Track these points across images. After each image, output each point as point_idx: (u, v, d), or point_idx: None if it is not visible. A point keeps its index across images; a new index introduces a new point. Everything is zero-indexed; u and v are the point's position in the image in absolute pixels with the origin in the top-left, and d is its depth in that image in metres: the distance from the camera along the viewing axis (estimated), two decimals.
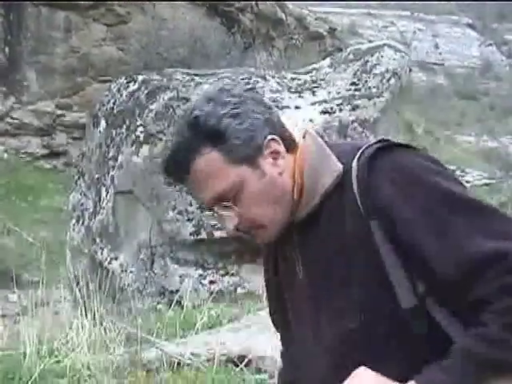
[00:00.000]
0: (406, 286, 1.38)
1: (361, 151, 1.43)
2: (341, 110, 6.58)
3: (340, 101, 6.61)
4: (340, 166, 1.45)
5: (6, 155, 15.20)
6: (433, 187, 1.36)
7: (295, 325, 1.58)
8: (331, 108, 6.54)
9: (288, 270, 1.56)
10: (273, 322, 1.73)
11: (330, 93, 6.68)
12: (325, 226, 1.46)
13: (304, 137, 1.53)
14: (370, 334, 1.39)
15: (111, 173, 6.86)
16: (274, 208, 1.46)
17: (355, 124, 6.61)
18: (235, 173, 1.43)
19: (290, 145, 1.51)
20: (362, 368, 1.33)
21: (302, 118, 6.22)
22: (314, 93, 6.72)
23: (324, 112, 6.50)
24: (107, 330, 4.20)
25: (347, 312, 1.42)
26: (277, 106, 6.12)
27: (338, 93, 6.67)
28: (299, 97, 6.64)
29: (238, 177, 1.43)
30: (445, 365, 1.30)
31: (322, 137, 1.54)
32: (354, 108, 6.66)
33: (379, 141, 1.45)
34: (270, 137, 1.46)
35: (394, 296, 1.38)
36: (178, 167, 1.46)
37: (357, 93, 6.75)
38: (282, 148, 1.48)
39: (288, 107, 6.31)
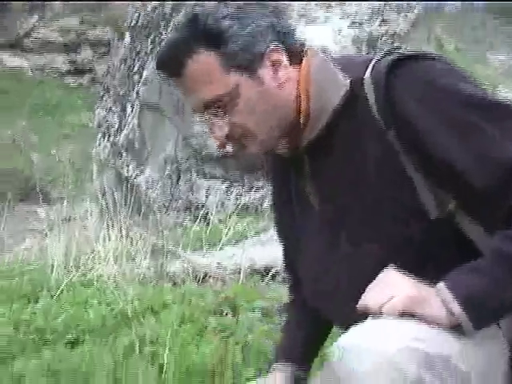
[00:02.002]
0: (433, 200, 1.32)
1: (374, 62, 1.35)
2: (370, 23, 6.41)
3: (370, 14, 6.42)
4: (346, 82, 1.37)
5: (31, 73, 15.16)
6: (457, 93, 1.29)
7: (308, 253, 1.54)
8: (361, 21, 6.36)
9: (301, 198, 1.52)
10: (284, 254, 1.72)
11: (359, 5, 6.48)
12: (339, 149, 1.41)
13: (306, 53, 1.44)
14: (396, 255, 1.34)
15: (136, 87, 6.80)
16: (268, 120, 1.40)
17: (385, 38, 6.44)
18: (230, 80, 1.36)
19: (296, 57, 1.42)
20: (390, 269, 1.29)
21: (330, 30, 6.06)
22: (343, 5, 6.52)
23: (353, 25, 6.33)
24: (133, 243, 4.20)
25: (370, 234, 1.38)
26: (305, 18, 5.96)
27: (369, 6, 6.47)
28: (328, 9, 6.45)
29: (232, 84, 1.36)
30: (474, 266, 1.25)
31: (326, 52, 1.45)
32: (384, 21, 6.48)
33: (392, 51, 1.37)
34: (272, 46, 1.38)
35: (421, 212, 1.32)
36: (171, 62, 1.39)
37: (387, 6, 6.56)
38: (284, 59, 1.39)
39: (317, 19, 6.14)
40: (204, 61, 1.36)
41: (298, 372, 1.76)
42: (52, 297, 3.26)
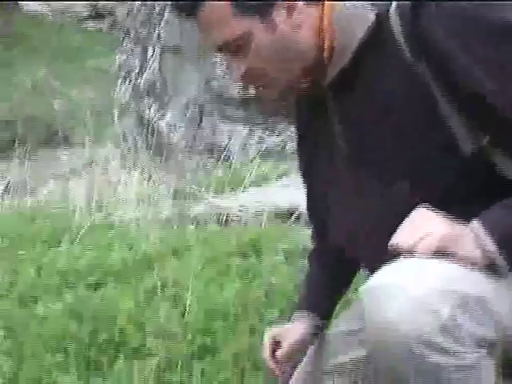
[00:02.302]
0: (465, 136, 1.25)
1: None
2: None
3: None
4: (372, 15, 1.30)
5: (51, 17, 15.04)
6: (489, 22, 1.20)
7: (335, 197, 1.49)
8: None
9: (326, 139, 1.45)
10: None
11: None
12: (365, 85, 1.34)
13: None
14: (427, 194, 1.28)
15: (157, 30, 6.69)
16: (284, 63, 1.35)
17: None
18: (242, 24, 1.32)
19: None
20: (422, 208, 1.23)
21: None
22: None
23: None
24: (155, 186, 4.17)
25: (401, 173, 1.32)
26: None
27: None
28: None
29: (244, 29, 1.32)
30: (509, 204, 1.20)
31: None
32: None
33: None
34: None
35: (453, 148, 1.26)
36: (185, 3, 1.35)
37: None
38: (299, 1, 1.33)
39: None
40: (216, 4, 1.31)
41: (318, 323, 1.75)
42: (74, 240, 3.24)
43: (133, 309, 2.35)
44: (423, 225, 1.21)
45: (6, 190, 5.22)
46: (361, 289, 1.21)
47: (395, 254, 1.21)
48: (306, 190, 1.67)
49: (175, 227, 3.48)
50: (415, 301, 1.12)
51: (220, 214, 3.61)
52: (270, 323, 2.14)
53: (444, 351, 1.13)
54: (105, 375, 2.04)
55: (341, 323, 1.83)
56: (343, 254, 1.58)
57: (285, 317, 2.12)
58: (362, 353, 1.72)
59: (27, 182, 5.13)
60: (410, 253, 1.19)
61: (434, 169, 1.29)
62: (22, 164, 5.69)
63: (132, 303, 2.38)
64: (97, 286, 2.65)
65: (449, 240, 1.18)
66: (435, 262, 1.17)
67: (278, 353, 1.73)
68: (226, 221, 3.56)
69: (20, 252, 3.09)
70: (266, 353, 1.74)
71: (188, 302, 2.34)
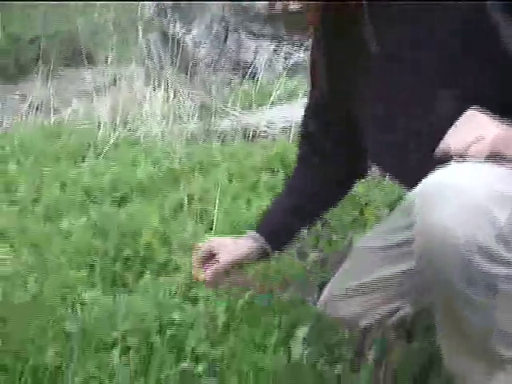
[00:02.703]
0: None
1: None
2: None
3: None
4: None
5: None
6: None
7: (370, 105, 1.41)
8: None
9: (358, 50, 1.37)
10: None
11: None
12: None
13: None
14: (477, 99, 1.19)
15: None
16: None
17: None
18: None
19: None
20: (474, 111, 1.14)
21: None
22: None
23: None
24: (180, 102, 4.08)
25: (450, 79, 1.26)
26: None
27: None
28: None
29: None
30: None
31: None
32: None
33: None
34: None
35: (506, 55, 1.19)
36: None
37: None
38: None
39: None
40: None
41: (267, 248, 1.69)
42: (98, 156, 3.19)
43: (158, 224, 2.30)
44: (475, 128, 1.12)
45: (30, 108, 5.16)
46: (410, 193, 1.14)
47: (444, 160, 1.13)
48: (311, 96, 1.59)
49: (201, 143, 3.40)
50: (472, 205, 1.05)
51: (246, 129, 3.53)
52: None
53: (497, 259, 1.07)
54: (130, 290, 2.00)
55: (369, 240, 1.77)
56: (342, 169, 1.56)
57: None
58: (387, 271, 1.67)
59: (51, 101, 5.06)
60: (462, 157, 1.11)
61: (483, 75, 1.23)
62: (45, 83, 5.60)
63: (157, 218, 2.33)
64: (121, 202, 2.60)
65: (504, 143, 1.10)
66: (490, 165, 1.10)
67: (211, 267, 1.66)
68: (253, 136, 3.47)
69: (44, 168, 3.04)
70: (197, 258, 1.68)
71: (215, 218, 2.28)
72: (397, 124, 1.36)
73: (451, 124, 1.17)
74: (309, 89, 1.63)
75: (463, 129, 1.14)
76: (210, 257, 1.68)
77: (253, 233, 1.70)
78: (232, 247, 1.67)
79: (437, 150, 1.15)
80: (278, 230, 1.70)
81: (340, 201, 1.81)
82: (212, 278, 1.66)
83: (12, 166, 3.08)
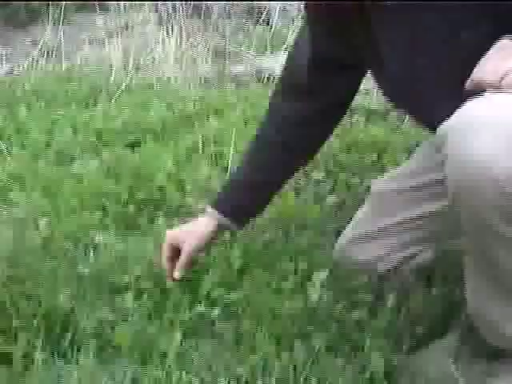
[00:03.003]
0: None
1: None
2: None
3: None
4: None
5: None
6: None
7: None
8: None
9: None
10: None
11: None
12: None
13: None
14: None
15: None
16: None
17: None
18: None
19: None
20: (507, 39, 1.08)
21: None
22: None
23: None
24: (194, 46, 4.00)
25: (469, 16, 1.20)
26: None
27: None
28: None
29: None
30: None
31: None
32: None
33: None
34: None
35: None
36: None
37: None
38: None
39: None
40: None
41: (228, 224, 1.63)
42: (111, 99, 3.13)
43: (172, 167, 2.25)
44: (508, 58, 1.05)
45: (41, 53, 5.08)
46: (441, 127, 1.07)
47: (475, 92, 1.06)
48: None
49: (215, 87, 3.33)
50: (509, 136, 0.98)
51: (261, 73, 3.45)
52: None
53: None
54: (144, 234, 1.96)
55: (391, 182, 1.72)
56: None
57: None
58: (412, 213, 1.62)
59: (62, 46, 4.98)
60: (496, 87, 1.04)
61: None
62: (56, 28, 5.51)
63: (171, 161, 2.28)
64: (134, 145, 2.55)
65: None
66: None
67: (177, 263, 1.61)
68: (268, 80, 3.40)
69: (55, 112, 2.99)
70: (163, 259, 1.63)
71: (230, 160, 2.23)
72: (422, 62, 1.30)
73: (480, 57, 1.11)
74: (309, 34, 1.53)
75: (495, 59, 1.07)
76: (175, 252, 1.62)
77: (212, 211, 1.62)
78: (192, 236, 1.61)
79: (467, 82, 1.09)
80: (239, 206, 1.64)
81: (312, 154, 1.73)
82: (182, 273, 1.62)
83: (23, 110, 3.02)
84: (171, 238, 1.63)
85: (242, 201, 1.63)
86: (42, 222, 1.97)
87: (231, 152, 2.27)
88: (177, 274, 1.61)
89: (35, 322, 1.56)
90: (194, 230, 1.62)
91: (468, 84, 1.09)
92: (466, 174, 1.04)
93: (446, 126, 1.07)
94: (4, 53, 5.03)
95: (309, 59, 1.50)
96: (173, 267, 1.62)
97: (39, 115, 2.98)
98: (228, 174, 2.20)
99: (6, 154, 2.54)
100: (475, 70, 1.09)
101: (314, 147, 1.68)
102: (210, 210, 1.63)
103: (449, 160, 1.06)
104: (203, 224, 1.62)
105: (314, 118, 1.58)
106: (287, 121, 1.60)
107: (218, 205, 1.63)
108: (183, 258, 1.60)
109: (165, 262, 1.63)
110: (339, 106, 1.62)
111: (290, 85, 1.60)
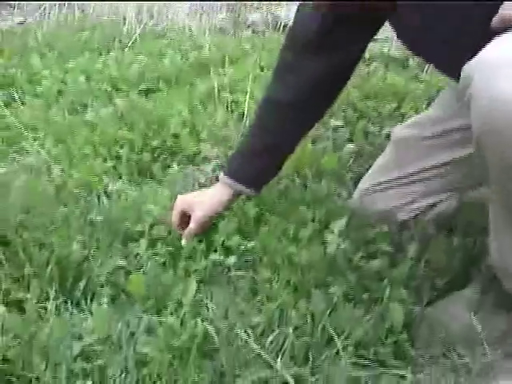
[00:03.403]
0: None
1: None
2: None
3: None
4: None
5: None
6: None
7: None
8: None
9: None
10: None
11: None
12: None
13: None
14: None
15: None
16: None
17: None
18: None
19: None
20: None
21: None
22: None
23: None
24: None
25: None
26: None
27: None
28: None
29: None
30: None
31: None
32: None
33: None
34: None
35: None
36: None
37: None
38: None
39: None
40: None
41: (244, 190, 1.58)
42: (124, 47, 3.07)
43: (187, 114, 2.20)
44: None
45: (53, 3, 5.00)
46: (465, 68, 1.02)
47: (502, 30, 1.00)
48: None
49: (231, 35, 3.26)
50: None
51: (277, 21, 3.38)
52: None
53: None
54: (158, 182, 1.93)
55: (413, 129, 1.67)
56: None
57: None
58: (435, 160, 1.57)
59: None
60: None
61: None
62: None
63: (186, 109, 2.23)
64: (149, 93, 2.50)
65: None
66: None
67: (186, 230, 1.58)
68: (284, 28, 3.32)
69: (68, 61, 2.94)
70: (174, 223, 1.60)
71: (245, 107, 2.17)
72: (440, 9, 1.24)
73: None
74: None
75: None
76: (185, 218, 1.59)
77: (226, 179, 1.58)
78: (206, 206, 1.57)
79: (494, 19, 1.03)
80: (256, 172, 1.59)
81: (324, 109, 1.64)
82: (191, 240, 1.58)
83: (36, 60, 2.97)
84: (183, 204, 1.59)
85: (257, 166, 1.58)
86: (55, 170, 1.94)
87: (247, 99, 2.21)
88: (184, 242, 1.59)
89: (48, 269, 1.54)
90: (207, 201, 1.58)
91: (495, 21, 1.03)
92: (491, 114, 0.98)
93: (470, 66, 1.02)
94: (16, 4, 4.94)
95: (324, 14, 1.43)
96: (183, 229, 1.59)
97: (52, 64, 2.93)
98: (244, 121, 2.16)
99: (19, 103, 2.50)
100: (502, 5, 1.02)
101: (327, 104, 1.61)
102: (224, 178, 1.58)
103: (473, 101, 1.01)
104: (218, 193, 1.59)
105: (328, 74, 1.50)
106: (299, 78, 1.51)
107: (232, 172, 1.58)
108: (193, 226, 1.57)
109: (175, 227, 1.61)
110: (353, 61, 1.55)
111: (301, 40, 1.50)
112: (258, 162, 1.57)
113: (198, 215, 1.56)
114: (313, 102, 1.53)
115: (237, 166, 1.59)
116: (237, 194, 1.59)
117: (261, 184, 1.61)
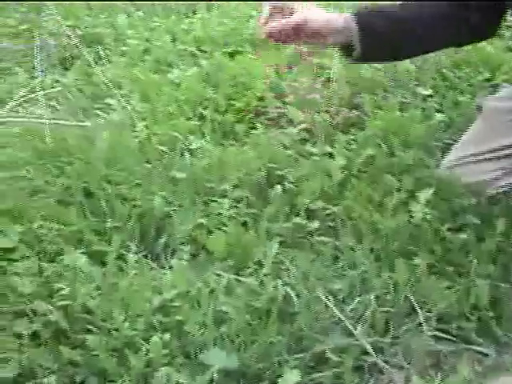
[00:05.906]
0: None
1: None
2: None
3: None
4: None
5: None
6: None
7: None
8: None
9: None
10: None
11: None
12: None
13: None
14: None
15: None
16: None
17: None
18: None
19: None
20: None
21: None
22: None
23: None
24: None
25: None
26: None
27: None
28: None
29: None
30: None
31: None
32: None
33: None
34: None
35: None
36: None
37: None
38: None
39: None
40: None
41: (354, 43, 1.45)
42: (210, 9, 3.03)
43: (273, 77, 2.17)
44: None
45: None
46: None
47: None
48: None
49: None
50: None
51: None
52: None
53: None
54: (242, 143, 1.91)
55: (508, 100, 1.60)
56: None
57: None
58: None
59: None
60: None
61: None
62: None
63: (272, 71, 2.20)
64: (234, 54, 2.46)
65: None
66: None
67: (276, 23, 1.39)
68: None
69: (154, 21, 2.93)
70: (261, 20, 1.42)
71: (332, 71, 2.13)
72: None
73: None
74: None
75: None
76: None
77: (349, 16, 1.46)
78: (319, 18, 1.42)
79: None
80: (375, 28, 1.46)
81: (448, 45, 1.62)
82: (275, 29, 1.39)
83: (122, 19, 2.97)
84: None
85: (380, 26, 1.47)
86: (140, 126, 1.94)
87: (333, 63, 2.16)
88: (263, 32, 1.42)
89: (130, 223, 1.54)
90: (322, 15, 1.43)
91: None
92: None
93: None
94: None
95: None
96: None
97: (138, 23, 2.92)
98: (330, 85, 2.11)
99: (105, 60, 2.50)
100: None
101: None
102: (348, 15, 1.47)
103: None
104: (334, 16, 1.46)
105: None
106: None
107: (357, 13, 1.47)
108: (286, 21, 1.39)
109: (263, 21, 1.42)
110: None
111: None
112: (383, 23, 1.47)
113: (298, 17, 1.39)
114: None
115: (365, 10, 1.52)
116: (346, 32, 1.45)
117: (369, 42, 1.46)
